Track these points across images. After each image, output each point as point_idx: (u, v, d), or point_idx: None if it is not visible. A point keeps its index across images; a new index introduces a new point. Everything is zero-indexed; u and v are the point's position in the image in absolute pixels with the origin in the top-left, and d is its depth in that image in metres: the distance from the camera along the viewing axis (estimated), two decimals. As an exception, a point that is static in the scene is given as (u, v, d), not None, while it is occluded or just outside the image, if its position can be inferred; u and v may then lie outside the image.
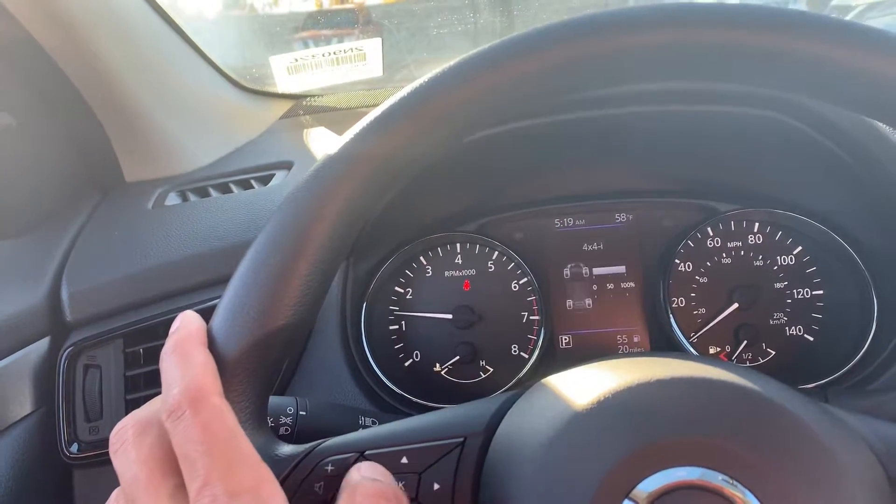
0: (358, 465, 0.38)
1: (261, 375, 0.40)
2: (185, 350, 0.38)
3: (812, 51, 0.37)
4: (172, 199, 0.87)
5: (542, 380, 0.42)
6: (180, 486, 0.34)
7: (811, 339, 0.77)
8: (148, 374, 0.71)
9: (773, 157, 0.77)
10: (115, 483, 0.36)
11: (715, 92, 0.71)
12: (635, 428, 0.35)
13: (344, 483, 0.37)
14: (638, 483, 0.33)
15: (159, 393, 0.38)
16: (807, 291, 0.78)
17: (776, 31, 0.37)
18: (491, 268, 0.83)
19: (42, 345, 0.73)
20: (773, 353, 0.77)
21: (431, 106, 0.40)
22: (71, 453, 0.69)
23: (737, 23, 0.37)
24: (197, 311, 0.69)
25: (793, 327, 0.77)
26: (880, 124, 0.67)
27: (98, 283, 0.75)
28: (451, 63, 0.41)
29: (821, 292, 0.77)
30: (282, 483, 0.37)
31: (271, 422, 0.54)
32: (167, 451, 0.36)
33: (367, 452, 0.40)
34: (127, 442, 0.36)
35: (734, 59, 0.39)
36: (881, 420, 0.39)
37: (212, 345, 0.39)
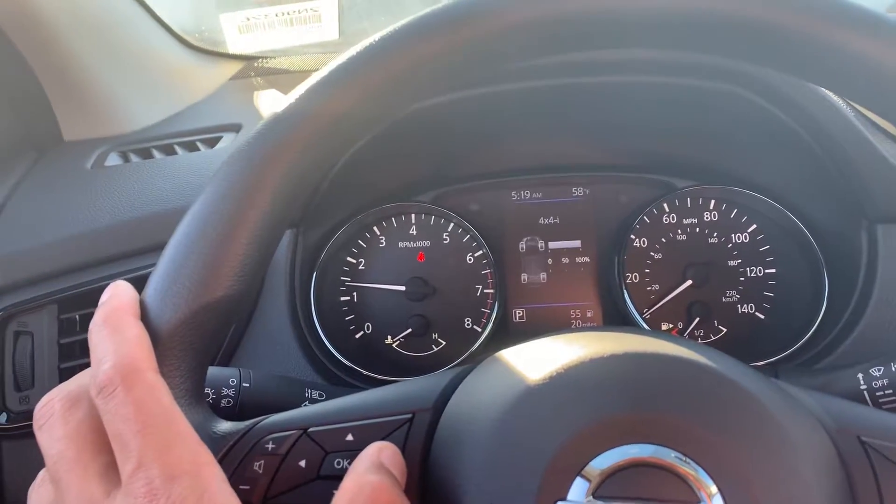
0: (377, 447, 0.36)
1: (197, 349, 0.38)
2: (117, 322, 0.36)
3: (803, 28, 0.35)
4: (113, 160, 0.83)
5: (494, 354, 0.41)
6: (111, 465, 0.32)
7: (762, 317, 0.77)
8: (84, 341, 0.67)
9: (732, 133, 0.77)
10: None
11: (676, 63, 0.70)
12: (587, 404, 0.34)
13: (352, 465, 0.35)
14: (590, 460, 0.32)
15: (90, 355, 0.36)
16: (759, 270, 0.78)
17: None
18: (446, 239, 0.82)
19: (-31, 310, 0.69)
20: (725, 330, 0.77)
21: (380, 67, 0.38)
22: (-1, 424, 0.66)
23: None
24: (137, 278, 0.67)
25: (744, 305, 0.78)
26: (839, 103, 0.67)
27: (31, 246, 0.71)
28: (401, 23, 0.39)
29: (773, 271, 0.78)
30: (220, 462, 0.35)
31: (213, 394, 0.52)
32: (97, 427, 0.33)
33: (310, 430, 0.38)
34: (53, 416, 0.34)
35: (710, 29, 0.37)
36: (831, 396, 0.39)
37: (144, 317, 0.37)
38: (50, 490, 0.34)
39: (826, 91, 0.67)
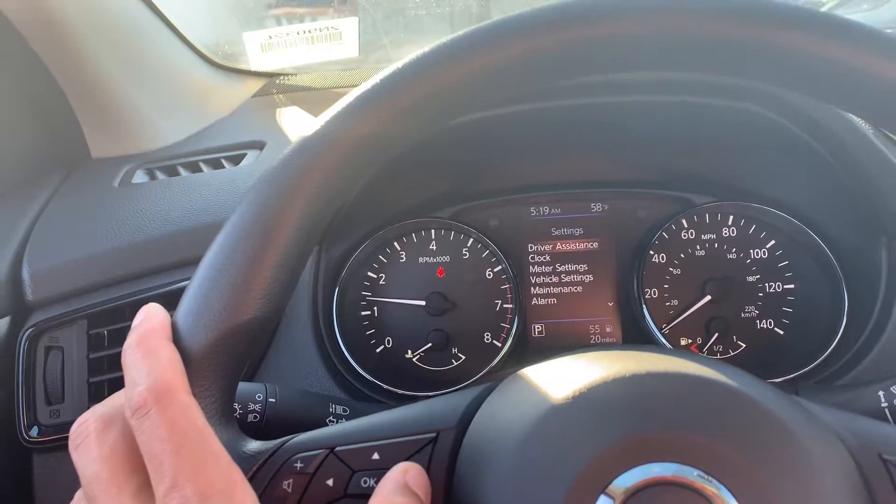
0: (402, 468, 0.37)
1: (227, 369, 0.39)
2: (150, 344, 0.37)
3: (813, 49, 0.36)
4: (140, 177, 0.84)
5: (516, 373, 0.42)
6: (145, 485, 0.33)
7: (781, 332, 0.77)
8: (112, 356, 0.69)
9: (751, 150, 0.77)
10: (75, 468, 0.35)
11: (695, 83, 0.71)
12: (611, 423, 0.34)
13: (378, 487, 0.36)
14: (613, 479, 0.32)
15: (124, 376, 0.36)
16: (778, 285, 0.78)
17: (762, 23, 0.36)
18: (465, 255, 0.82)
19: (1, 325, 0.70)
20: (744, 346, 0.77)
21: (406, 92, 0.39)
22: (30, 437, 0.67)
23: (728, 12, 0.37)
24: (165, 294, 0.69)
25: (763, 321, 0.78)
26: (858, 121, 0.67)
27: (61, 262, 0.72)
28: (428, 48, 0.40)
29: (792, 286, 0.78)
30: (249, 481, 0.36)
31: (240, 408, 0.53)
32: (131, 448, 0.34)
33: (337, 449, 0.39)
34: (89, 437, 0.35)
35: (724, 52, 0.38)
36: (852, 413, 0.39)
37: (176, 338, 0.38)
38: None
39: (844, 109, 0.67)
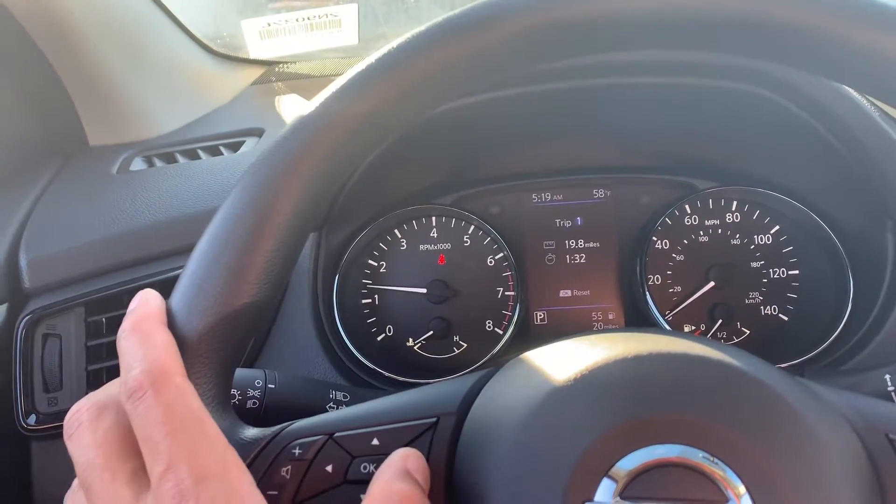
0: (402, 454, 0.36)
1: (224, 356, 0.38)
2: (145, 329, 0.36)
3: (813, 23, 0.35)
4: (138, 165, 0.84)
5: (517, 357, 0.41)
6: (139, 470, 0.33)
7: (786, 318, 0.77)
8: (110, 344, 0.69)
9: (755, 134, 0.76)
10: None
11: (698, 64, 0.70)
12: (614, 405, 0.34)
13: (378, 473, 0.35)
14: (617, 461, 0.32)
15: (119, 361, 0.36)
16: (783, 271, 0.77)
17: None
18: (467, 242, 0.82)
19: (-1, 312, 0.70)
20: (748, 332, 0.77)
21: (402, 72, 0.39)
22: (28, 425, 0.67)
23: None
24: (162, 281, 0.68)
25: (768, 307, 0.77)
26: (864, 102, 0.66)
27: (58, 250, 0.72)
28: (423, 27, 0.39)
29: (797, 272, 0.77)
30: (247, 468, 0.35)
31: (239, 395, 0.52)
32: (125, 433, 0.34)
33: (336, 434, 0.38)
34: (82, 425, 0.35)
35: (722, 29, 0.37)
36: (859, 395, 0.39)
37: (171, 324, 0.38)
38: (82, 497, 0.34)
39: (850, 91, 0.67)
